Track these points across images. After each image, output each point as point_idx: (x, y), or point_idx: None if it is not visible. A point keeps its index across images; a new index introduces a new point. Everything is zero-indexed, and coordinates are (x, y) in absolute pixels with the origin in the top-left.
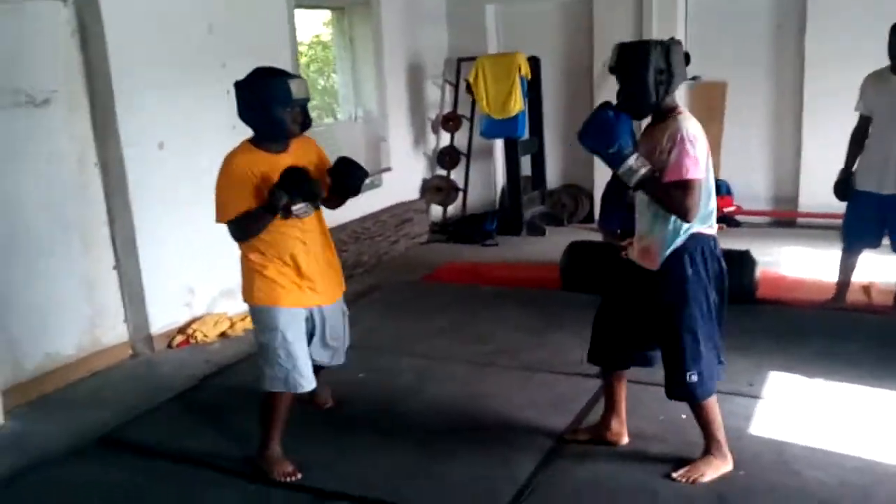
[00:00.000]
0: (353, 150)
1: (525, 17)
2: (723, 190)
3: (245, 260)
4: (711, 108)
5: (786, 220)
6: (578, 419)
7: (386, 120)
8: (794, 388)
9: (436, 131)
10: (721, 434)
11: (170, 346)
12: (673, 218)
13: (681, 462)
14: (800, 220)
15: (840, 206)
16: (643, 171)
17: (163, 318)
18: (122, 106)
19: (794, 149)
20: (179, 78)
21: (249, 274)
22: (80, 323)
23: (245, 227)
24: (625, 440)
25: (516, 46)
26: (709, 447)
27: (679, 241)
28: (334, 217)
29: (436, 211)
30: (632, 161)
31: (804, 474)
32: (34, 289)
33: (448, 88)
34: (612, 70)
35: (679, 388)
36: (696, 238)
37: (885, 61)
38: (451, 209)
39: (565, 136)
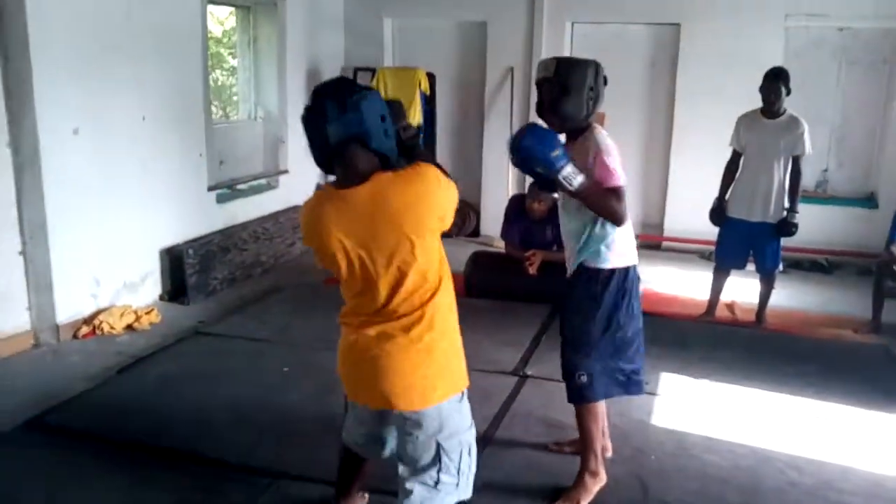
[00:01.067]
0: (251, 150)
1: (422, 32)
2: None
3: (439, 335)
4: None
5: (653, 243)
6: (503, 410)
7: (285, 122)
8: (685, 387)
9: None
10: (597, 450)
11: (75, 336)
12: (588, 232)
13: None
14: (664, 243)
15: (699, 232)
16: (580, 176)
17: (69, 307)
18: (41, 89)
19: (662, 178)
20: (96, 64)
21: (449, 349)
22: None
23: None
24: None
25: (411, 60)
26: (582, 468)
27: (604, 264)
28: (234, 216)
29: None
30: (570, 167)
31: (703, 458)
32: None
33: None
34: (545, 81)
35: (569, 390)
36: (620, 268)
37: (745, 101)
38: None
39: (457, 152)
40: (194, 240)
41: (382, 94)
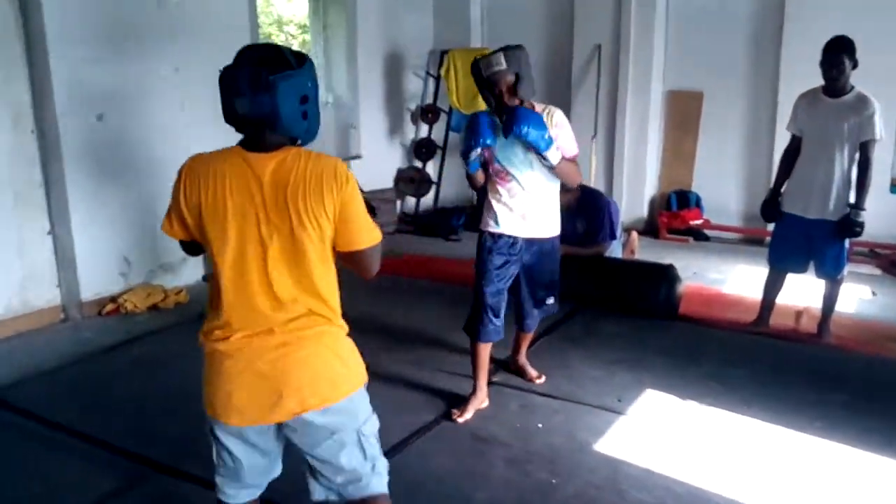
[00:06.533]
0: (321, 135)
1: (510, 10)
2: (692, 202)
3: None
4: (686, 117)
5: (759, 238)
6: None
7: (357, 107)
8: (662, 409)
9: (415, 122)
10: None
11: (100, 313)
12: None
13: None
14: (769, 238)
15: None
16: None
17: (95, 285)
18: (58, 76)
19: (766, 164)
20: (125, 52)
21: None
22: (11, 284)
23: None
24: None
25: (500, 40)
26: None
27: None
28: None
29: (411, 202)
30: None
31: (628, 494)
32: None
33: (430, 80)
34: (499, 74)
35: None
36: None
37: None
38: (425, 201)
39: None
40: None
41: (452, 75)
